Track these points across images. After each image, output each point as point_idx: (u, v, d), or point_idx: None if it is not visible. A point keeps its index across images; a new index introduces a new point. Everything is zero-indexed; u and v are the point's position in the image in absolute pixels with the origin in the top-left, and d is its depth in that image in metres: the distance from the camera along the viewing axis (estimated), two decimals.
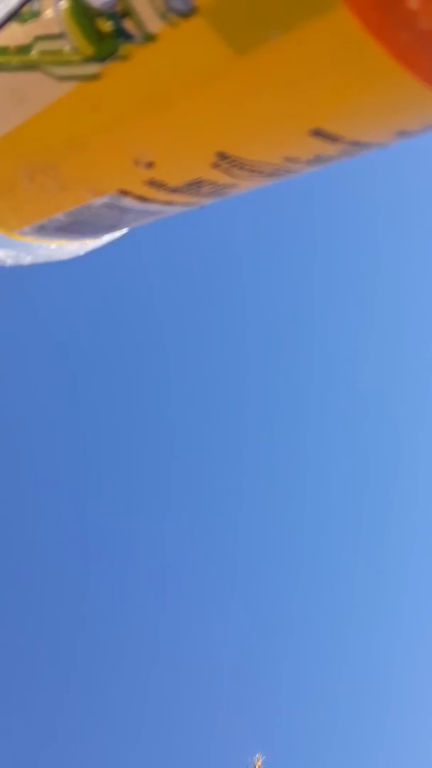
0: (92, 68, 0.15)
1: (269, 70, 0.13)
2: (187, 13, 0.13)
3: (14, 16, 0.16)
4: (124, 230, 0.26)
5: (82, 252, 0.28)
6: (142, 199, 0.20)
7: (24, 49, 0.16)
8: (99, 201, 0.20)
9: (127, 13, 0.14)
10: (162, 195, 0.19)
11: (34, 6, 0.15)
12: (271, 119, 0.15)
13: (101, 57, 0.15)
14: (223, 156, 0.16)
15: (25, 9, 0.15)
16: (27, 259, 0.26)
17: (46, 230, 0.24)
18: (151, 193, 0.19)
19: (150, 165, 0.18)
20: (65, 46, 0.15)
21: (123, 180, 0.19)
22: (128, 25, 0.14)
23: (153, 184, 0.19)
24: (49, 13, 0.15)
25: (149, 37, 0.14)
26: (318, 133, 0.15)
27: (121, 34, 0.14)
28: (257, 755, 2.57)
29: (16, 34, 0.16)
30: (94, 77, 0.15)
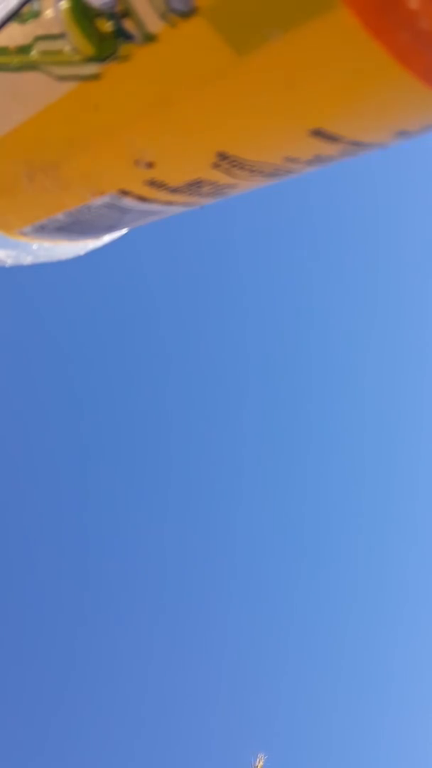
0: (92, 68, 0.15)
1: (269, 70, 0.13)
2: (187, 13, 0.13)
3: (14, 16, 0.16)
4: (124, 230, 0.26)
5: (82, 252, 0.28)
6: (142, 199, 0.20)
7: (24, 49, 0.16)
8: (99, 201, 0.20)
9: (127, 13, 0.14)
10: (162, 195, 0.19)
11: (34, 6, 0.15)
12: (271, 119, 0.15)
13: (101, 57, 0.15)
14: (223, 156, 0.16)
15: (25, 9, 0.15)
16: (27, 259, 0.26)
17: (46, 230, 0.24)
18: (151, 193, 0.19)
19: (150, 165, 0.18)
20: (65, 46, 0.15)
21: (123, 180, 0.19)
22: (128, 25, 0.14)
23: (153, 184, 0.19)
24: (49, 13, 0.15)
25: (149, 38, 0.14)
26: (318, 134, 0.15)
27: (121, 34, 0.14)
28: (259, 755, 2.57)
29: (16, 34, 0.16)
30: (94, 77, 0.15)
